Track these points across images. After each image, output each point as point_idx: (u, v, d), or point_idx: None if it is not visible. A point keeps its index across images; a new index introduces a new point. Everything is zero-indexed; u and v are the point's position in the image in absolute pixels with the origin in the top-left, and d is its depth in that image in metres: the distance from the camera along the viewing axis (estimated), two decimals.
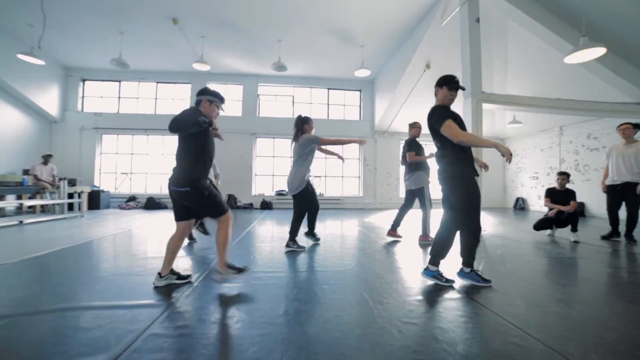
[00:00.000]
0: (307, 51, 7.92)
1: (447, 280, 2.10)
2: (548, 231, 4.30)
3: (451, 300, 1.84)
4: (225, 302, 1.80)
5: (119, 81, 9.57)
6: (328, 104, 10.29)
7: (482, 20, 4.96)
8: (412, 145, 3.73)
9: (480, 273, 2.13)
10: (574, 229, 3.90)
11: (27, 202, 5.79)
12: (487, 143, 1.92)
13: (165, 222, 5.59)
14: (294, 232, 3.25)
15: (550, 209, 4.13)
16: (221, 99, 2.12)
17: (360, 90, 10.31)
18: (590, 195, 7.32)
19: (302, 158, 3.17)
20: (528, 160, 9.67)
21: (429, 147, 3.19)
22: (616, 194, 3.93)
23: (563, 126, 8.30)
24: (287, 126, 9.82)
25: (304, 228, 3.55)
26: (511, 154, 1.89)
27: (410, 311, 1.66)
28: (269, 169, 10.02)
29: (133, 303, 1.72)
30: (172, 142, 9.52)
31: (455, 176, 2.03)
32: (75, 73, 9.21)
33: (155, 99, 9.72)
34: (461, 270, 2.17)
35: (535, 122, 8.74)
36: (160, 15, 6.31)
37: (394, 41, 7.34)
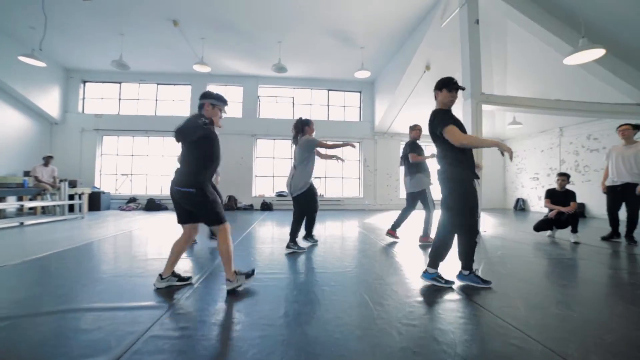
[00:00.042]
0: (307, 53, 7.94)
1: (447, 282, 2.11)
2: (548, 232, 4.30)
3: (451, 302, 1.84)
4: (225, 303, 1.80)
5: (120, 83, 9.59)
6: (328, 106, 10.31)
7: (482, 21, 4.97)
8: (414, 147, 3.73)
9: (479, 274, 2.13)
10: (574, 230, 3.90)
11: (28, 204, 5.80)
12: (488, 143, 1.93)
13: (165, 224, 5.59)
14: (294, 233, 3.26)
15: (551, 210, 4.13)
16: (224, 102, 2.12)
17: (360, 92, 10.32)
18: (591, 196, 7.32)
19: (305, 161, 3.19)
20: (528, 161, 9.66)
21: (429, 148, 3.19)
22: (616, 194, 3.93)
23: (563, 127, 8.30)
24: (287, 127, 9.74)
25: (302, 231, 3.54)
26: (512, 152, 1.89)
27: (410, 313, 1.66)
28: (269, 170, 10.03)
29: (133, 305, 1.73)
30: (172, 143, 9.53)
31: (454, 177, 2.04)
32: (76, 75, 9.24)
33: (156, 100, 9.74)
34: (460, 272, 2.17)
35: (535, 123, 8.74)
36: (160, 17, 6.33)
37: (393, 42, 7.35)
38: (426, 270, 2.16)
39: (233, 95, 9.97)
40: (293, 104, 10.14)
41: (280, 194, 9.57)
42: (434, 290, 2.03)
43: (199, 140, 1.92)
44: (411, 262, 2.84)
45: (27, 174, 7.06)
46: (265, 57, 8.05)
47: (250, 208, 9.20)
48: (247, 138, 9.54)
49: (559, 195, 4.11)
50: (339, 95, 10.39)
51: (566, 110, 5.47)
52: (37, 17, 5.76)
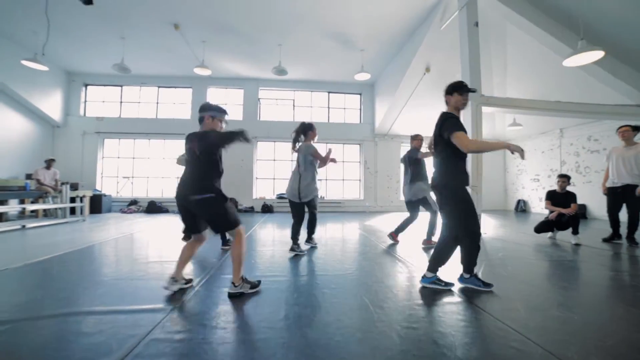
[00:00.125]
0: (307, 55, 7.98)
1: (446, 284, 2.11)
2: (549, 234, 4.30)
3: (451, 305, 1.84)
4: (226, 306, 1.81)
5: (121, 86, 9.65)
6: (328, 108, 10.33)
7: (481, 23, 4.99)
8: (416, 153, 3.74)
9: (480, 277, 2.13)
10: (575, 232, 3.89)
11: (30, 207, 5.83)
12: (497, 145, 1.91)
13: (166, 226, 5.61)
14: (296, 235, 3.27)
15: (551, 212, 4.13)
16: (223, 112, 2.12)
17: (360, 94, 10.35)
18: (591, 197, 7.31)
19: (310, 165, 3.21)
20: (529, 163, 9.66)
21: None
22: (616, 196, 3.93)
23: (563, 128, 8.30)
24: (287, 130, 9.76)
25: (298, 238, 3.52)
26: (522, 150, 1.85)
27: (410, 315, 1.66)
28: (270, 172, 10.05)
29: (135, 308, 1.74)
30: (173, 145, 9.58)
31: (446, 185, 2.05)
32: (77, 78, 9.30)
33: (157, 103, 9.79)
34: (461, 276, 2.17)
35: (536, 124, 8.74)
36: (161, 21, 6.38)
37: (393, 45, 7.38)
38: (424, 275, 2.16)
39: (234, 98, 10.02)
40: (293, 106, 10.17)
41: (281, 196, 9.58)
42: (434, 293, 2.03)
43: (215, 149, 1.97)
44: (412, 265, 2.84)
45: (29, 176, 7.10)
46: (266, 60, 8.09)
47: (251, 210, 9.21)
48: None
49: (560, 197, 4.11)
50: (339, 97, 10.42)
51: (566, 112, 5.48)
52: (39, 22, 5.80)
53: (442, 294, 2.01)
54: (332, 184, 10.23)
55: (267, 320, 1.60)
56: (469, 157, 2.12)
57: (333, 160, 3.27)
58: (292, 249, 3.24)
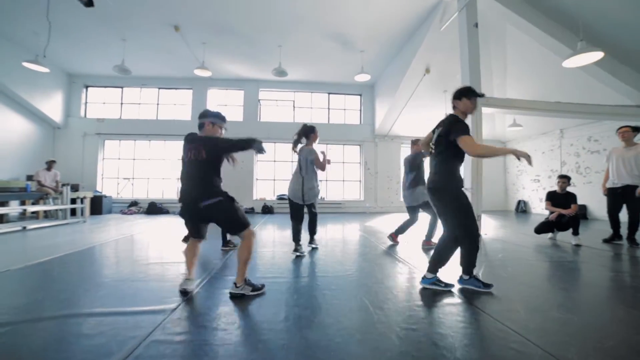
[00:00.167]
0: (307, 56, 7.99)
1: (446, 285, 2.11)
2: (549, 234, 4.30)
3: (451, 306, 1.84)
4: (227, 308, 1.81)
5: (122, 87, 9.67)
6: (329, 109, 10.35)
7: (481, 25, 5.00)
8: (419, 157, 3.75)
9: (480, 278, 2.13)
10: (576, 233, 3.89)
11: (31, 208, 5.84)
12: (504, 151, 1.93)
13: (166, 227, 5.61)
14: (298, 236, 3.27)
15: (551, 213, 4.12)
16: (222, 119, 2.15)
17: (360, 95, 10.36)
18: (592, 197, 7.30)
19: (312, 168, 3.22)
20: None
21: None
22: (616, 196, 3.92)
23: (564, 129, 8.30)
24: (288, 131, 9.85)
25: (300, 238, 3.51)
26: (529, 156, 1.86)
27: (410, 317, 1.66)
28: (270, 173, 10.06)
29: (135, 309, 1.74)
30: (173, 147, 9.59)
31: (446, 186, 2.05)
32: (78, 80, 9.32)
33: (157, 104, 9.80)
34: (460, 277, 2.17)
35: (536, 125, 8.75)
36: (162, 23, 6.40)
37: (393, 46, 7.40)
38: (424, 276, 2.17)
39: (234, 99, 10.04)
40: (294, 107, 10.18)
41: (281, 197, 9.58)
42: (434, 294, 2.04)
43: (221, 155, 2.02)
44: (412, 266, 2.84)
45: (30, 178, 7.11)
46: (266, 61, 8.11)
47: (251, 211, 9.22)
48: None
49: (560, 198, 4.11)
50: (340, 98, 10.43)
51: (566, 113, 5.48)
52: (40, 23, 5.83)
53: (442, 295, 2.01)
54: (332, 184, 10.24)
55: (268, 322, 1.60)
56: (469, 157, 2.12)
57: (328, 162, 3.29)
58: (296, 250, 3.24)
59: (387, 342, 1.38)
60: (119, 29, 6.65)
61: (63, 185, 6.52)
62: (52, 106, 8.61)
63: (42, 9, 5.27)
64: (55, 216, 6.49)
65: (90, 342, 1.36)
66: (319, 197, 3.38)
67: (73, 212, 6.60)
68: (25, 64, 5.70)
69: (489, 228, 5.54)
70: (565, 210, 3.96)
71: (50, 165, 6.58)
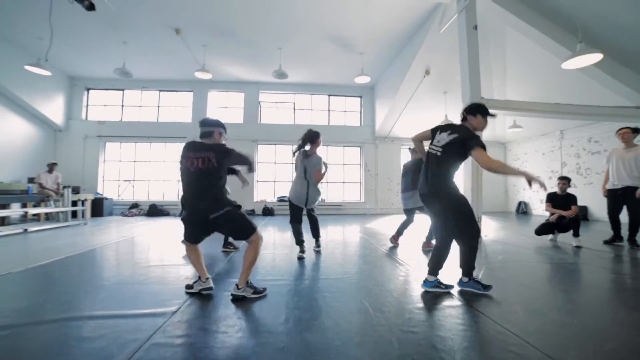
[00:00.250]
0: (307, 58, 8.02)
1: (447, 286, 2.12)
2: (550, 236, 4.29)
3: (450, 308, 1.84)
4: (227, 310, 1.81)
5: (122, 90, 9.71)
6: (329, 110, 10.37)
7: (480, 26, 5.01)
8: (420, 164, 3.78)
9: (479, 280, 2.14)
10: (576, 234, 3.89)
11: (32, 210, 5.85)
12: (516, 172, 1.95)
13: (167, 229, 5.62)
14: (301, 239, 3.28)
15: (552, 214, 4.12)
16: (225, 130, 2.18)
17: (360, 97, 10.38)
18: (593, 198, 7.29)
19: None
20: (529, 164, 9.65)
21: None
22: (617, 198, 3.92)
23: (564, 130, 8.30)
24: (288, 133, 9.91)
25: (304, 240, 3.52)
26: (543, 184, 1.85)
27: (410, 319, 1.66)
28: (271, 175, 10.07)
29: (136, 312, 1.74)
30: (174, 149, 9.62)
31: (450, 190, 2.06)
32: (79, 82, 9.37)
33: (158, 107, 9.84)
34: (460, 280, 2.17)
35: (536, 126, 8.75)
36: (162, 26, 6.43)
37: (393, 48, 7.42)
38: (426, 279, 2.16)
39: (234, 101, 10.07)
40: (294, 109, 10.20)
41: (281, 199, 9.59)
42: (434, 297, 2.04)
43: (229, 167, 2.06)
44: (412, 268, 2.84)
45: (31, 180, 7.12)
46: (266, 64, 8.14)
47: (252, 213, 9.22)
48: (248, 143, 9.59)
49: (560, 199, 4.11)
50: (340, 100, 10.45)
51: (566, 114, 5.48)
52: (43, 27, 5.87)
53: (442, 298, 2.01)
54: (332, 186, 10.24)
55: (268, 325, 1.61)
56: (468, 159, 2.13)
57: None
58: (302, 251, 3.24)
59: (386, 344, 1.39)
60: (120, 32, 6.69)
61: (64, 187, 6.54)
62: (54, 109, 8.65)
63: (43, 12, 5.30)
64: (56, 218, 6.51)
65: (91, 345, 1.37)
66: (320, 200, 3.40)
67: (74, 214, 6.62)
68: (28, 68, 5.74)
69: (489, 229, 5.54)
70: (565, 212, 3.96)
71: (51, 167, 6.60)
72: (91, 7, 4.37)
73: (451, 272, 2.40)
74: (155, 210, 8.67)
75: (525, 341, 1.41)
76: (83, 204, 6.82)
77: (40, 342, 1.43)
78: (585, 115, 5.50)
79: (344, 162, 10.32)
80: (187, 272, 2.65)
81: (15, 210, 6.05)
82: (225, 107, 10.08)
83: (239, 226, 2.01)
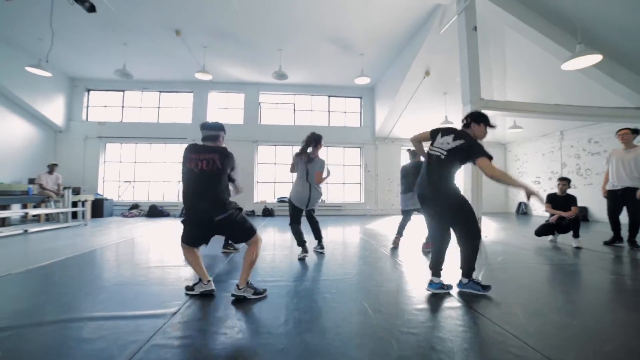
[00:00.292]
0: (307, 60, 8.03)
1: (448, 287, 2.14)
2: (550, 237, 4.29)
3: (450, 309, 1.84)
4: (227, 312, 1.82)
5: (123, 91, 9.73)
6: (329, 111, 10.37)
7: (480, 27, 5.02)
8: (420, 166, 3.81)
9: (478, 281, 2.14)
10: (576, 235, 3.88)
11: (32, 211, 5.86)
12: (517, 184, 2.00)
13: (167, 230, 5.63)
14: (302, 239, 3.29)
15: (552, 215, 4.12)
16: (225, 132, 2.23)
17: (360, 97, 10.39)
18: (593, 199, 7.28)
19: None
20: (530, 165, 9.65)
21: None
22: (616, 199, 3.92)
23: (564, 130, 8.30)
24: (288, 134, 9.93)
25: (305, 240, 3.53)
26: (538, 195, 1.93)
27: (409, 320, 1.66)
28: (271, 176, 10.08)
29: (136, 313, 1.75)
30: (174, 150, 9.63)
31: (455, 194, 2.10)
32: (80, 83, 9.39)
33: (158, 108, 9.86)
34: (460, 281, 2.16)
35: (536, 126, 8.75)
36: (163, 27, 6.45)
37: (393, 49, 7.43)
38: (431, 281, 2.15)
39: (234, 102, 10.08)
40: (294, 110, 10.22)
41: (281, 200, 9.59)
42: (433, 298, 2.04)
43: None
44: (411, 269, 2.84)
45: (32, 181, 7.13)
46: (266, 65, 8.15)
47: (251, 214, 9.23)
48: (248, 144, 9.61)
49: (560, 200, 4.11)
50: (340, 101, 10.46)
51: (566, 115, 5.49)
52: (43, 28, 5.89)
53: (441, 299, 2.01)
54: (332, 187, 10.24)
55: (267, 326, 1.61)
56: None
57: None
58: (305, 251, 3.26)
59: (386, 346, 1.39)
60: (120, 34, 6.70)
61: (64, 188, 6.55)
62: (54, 110, 8.67)
63: (44, 13, 5.32)
64: (56, 219, 6.51)
65: (91, 347, 1.37)
66: (320, 201, 3.43)
67: (74, 215, 6.63)
68: (28, 69, 5.75)
69: (489, 230, 5.54)
70: (565, 213, 3.96)
71: (52, 168, 6.62)
72: (92, 9, 4.39)
73: (449, 272, 2.40)
74: (155, 211, 8.67)
75: (524, 342, 1.41)
76: (83, 205, 6.83)
77: (40, 343, 1.43)
78: (585, 116, 5.51)
79: (344, 163, 10.32)
80: (187, 274, 2.66)
81: (15, 211, 6.06)
82: (225, 108, 10.09)
83: (240, 229, 2.03)
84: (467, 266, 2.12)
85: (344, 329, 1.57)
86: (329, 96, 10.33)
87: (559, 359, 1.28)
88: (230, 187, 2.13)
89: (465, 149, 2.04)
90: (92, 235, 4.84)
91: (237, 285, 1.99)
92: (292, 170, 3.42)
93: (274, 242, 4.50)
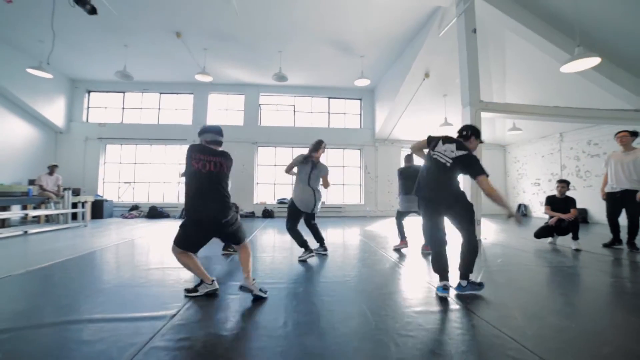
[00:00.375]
0: (307, 61, 8.06)
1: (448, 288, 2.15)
2: (549, 239, 4.29)
3: (449, 312, 1.85)
4: (226, 314, 1.82)
5: (123, 92, 9.76)
6: (329, 113, 10.40)
7: (479, 30, 5.05)
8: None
9: (474, 280, 2.16)
10: (575, 237, 3.89)
11: (32, 212, 5.87)
12: (504, 204, 2.11)
13: (167, 232, 5.63)
14: (303, 239, 3.31)
15: (551, 217, 4.13)
16: None
17: (360, 99, 10.42)
18: (592, 201, 7.29)
19: (318, 181, 3.35)
20: (529, 167, 9.66)
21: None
22: (615, 201, 3.93)
23: (563, 132, 8.32)
24: (288, 135, 9.95)
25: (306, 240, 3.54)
26: (518, 218, 2.10)
27: (408, 323, 1.67)
28: (271, 177, 10.09)
29: (135, 315, 1.75)
30: (174, 151, 9.65)
31: (465, 197, 2.18)
32: (81, 85, 9.42)
33: (159, 109, 9.89)
34: (459, 284, 2.15)
35: (536, 128, 8.77)
36: (164, 29, 6.48)
37: (393, 51, 7.46)
38: (444, 285, 2.09)
39: (235, 104, 10.11)
40: (294, 111, 10.24)
41: (281, 201, 9.60)
42: (432, 300, 2.04)
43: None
44: (410, 271, 2.85)
45: (32, 182, 7.15)
46: (266, 66, 8.18)
47: (251, 215, 9.23)
48: (248, 146, 9.63)
49: (559, 202, 4.12)
50: (340, 102, 10.49)
51: (565, 117, 5.51)
52: (44, 30, 5.92)
53: (440, 301, 2.02)
54: (332, 188, 10.26)
55: (266, 328, 1.61)
56: None
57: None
58: (309, 251, 3.28)
59: (384, 349, 1.39)
60: (121, 35, 6.73)
61: (64, 189, 6.55)
62: (55, 111, 8.70)
63: (45, 15, 5.35)
64: (56, 220, 6.51)
65: (90, 349, 1.38)
66: (321, 203, 3.46)
67: (74, 216, 6.63)
68: (30, 70, 5.77)
69: (489, 232, 5.54)
70: (564, 215, 3.96)
71: (52, 169, 6.62)
72: (93, 11, 4.40)
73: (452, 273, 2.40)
74: (155, 212, 8.69)
75: (522, 345, 1.41)
76: (83, 206, 6.83)
77: (40, 345, 1.43)
78: (585, 118, 5.53)
79: (344, 165, 10.34)
80: (188, 275, 2.65)
81: (15, 212, 6.06)
82: (225, 110, 10.12)
83: (238, 231, 2.10)
84: (469, 268, 2.13)
85: (342, 331, 1.58)
86: (329, 98, 10.36)
87: None
88: None
89: (467, 161, 2.14)
90: (92, 237, 4.85)
91: (245, 278, 2.02)
92: (288, 171, 3.41)
93: (274, 243, 4.51)
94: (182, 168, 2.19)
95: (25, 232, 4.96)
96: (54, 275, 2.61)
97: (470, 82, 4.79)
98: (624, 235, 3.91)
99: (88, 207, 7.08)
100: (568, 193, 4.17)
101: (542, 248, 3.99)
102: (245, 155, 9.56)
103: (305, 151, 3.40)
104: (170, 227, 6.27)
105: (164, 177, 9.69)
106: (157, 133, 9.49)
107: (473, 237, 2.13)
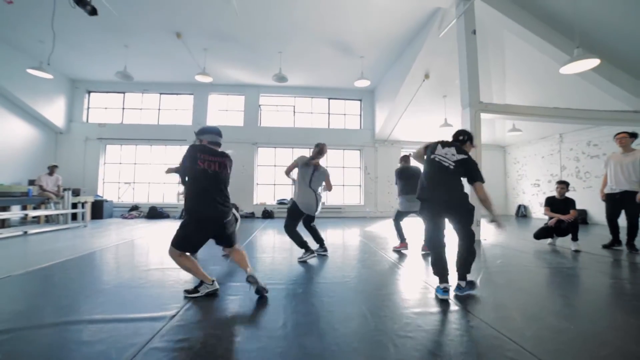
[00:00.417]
0: (307, 62, 8.07)
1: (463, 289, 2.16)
2: (549, 240, 4.30)
3: (448, 313, 1.85)
4: (225, 315, 1.83)
5: (123, 92, 9.77)
6: (329, 114, 10.41)
7: (479, 31, 5.06)
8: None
9: (470, 280, 2.16)
10: (575, 238, 3.89)
11: (32, 213, 5.87)
12: (492, 211, 2.20)
13: (167, 232, 5.63)
14: (303, 240, 3.31)
15: (550, 218, 4.13)
16: None
17: (360, 100, 10.43)
18: (592, 202, 7.30)
19: (319, 184, 3.39)
20: (529, 168, 9.67)
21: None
22: (615, 202, 3.93)
23: (563, 133, 8.33)
24: (288, 136, 9.96)
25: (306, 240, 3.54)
26: (500, 224, 2.18)
27: (407, 324, 1.67)
28: (271, 178, 10.09)
29: (135, 316, 1.75)
30: (174, 151, 9.65)
31: (465, 202, 2.19)
32: (81, 85, 9.43)
33: (159, 109, 9.89)
34: (458, 286, 2.15)
35: (535, 129, 8.78)
36: (164, 30, 6.49)
37: (393, 52, 7.47)
38: (445, 287, 2.07)
39: (235, 104, 10.12)
40: (294, 112, 10.25)
41: (281, 202, 9.60)
42: (431, 301, 2.05)
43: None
44: (410, 272, 2.85)
45: (31, 182, 7.15)
46: (266, 67, 8.19)
47: (251, 216, 9.23)
48: (248, 146, 9.63)
49: (559, 203, 4.12)
50: (340, 103, 10.50)
51: (565, 118, 5.52)
52: (44, 30, 5.93)
53: (439, 302, 2.02)
54: (332, 189, 10.25)
55: (266, 329, 1.61)
56: None
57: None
58: (309, 252, 3.28)
59: (383, 350, 1.40)
60: (121, 36, 6.74)
61: (64, 189, 6.55)
62: (55, 111, 8.70)
63: (45, 15, 5.35)
64: (56, 220, 6.51)
65: (90, 350, 1.38)
66: (321, 204, 3.49)
67: (74, 216, 6.63)
68: (30, 71, 5.78)
69: (488, 233, 5.53)
70: (564, 216, 3.97)
71: (52, 170, 6.63)
72: (93, 12, 4.41)
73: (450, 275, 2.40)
74: (155, 213, 8.68)
75: (521, 347, 1.41)
76: (83, 206, 6.83)
77: (40, 345, 1.44)
78: (584, 119, 5.54)
79: (344, 165, 10.34)
80: (187, 276, 2.66)
81: (15, 213, 6.06)
82: (225, 110, 10.13)
83: (233, 232, 2.16)
84: (467, 269, 2.14)
85: (341, 332, 1.58)
86: (329, 98, 10.37)
87: None
88: None
89: (467, 165, 2.20)
90: (92, 237, 4.85)
91: (249, 272, 2.06)
92: (288, 173, 3.40)
93: (274, 244, 4.51)
94: (174, 167, 2.25)
95: (25, 232, 4.96)
96: (53, 276, 2.62)
97: (470, 83, 4.80)
98: (623, 236, 3.91)
99: (88, 207, 7.08)
100: (568, 194, 4.17)
101: (542, 249, 3.99)
102: (245, 155, 9.56)
103: (305, 151, 3.42)
104: (170, 228, 6.27)
105: (164, 177, 9.68)
106: (157, 133, 9.49)
107: (473, 239, 2.15)
